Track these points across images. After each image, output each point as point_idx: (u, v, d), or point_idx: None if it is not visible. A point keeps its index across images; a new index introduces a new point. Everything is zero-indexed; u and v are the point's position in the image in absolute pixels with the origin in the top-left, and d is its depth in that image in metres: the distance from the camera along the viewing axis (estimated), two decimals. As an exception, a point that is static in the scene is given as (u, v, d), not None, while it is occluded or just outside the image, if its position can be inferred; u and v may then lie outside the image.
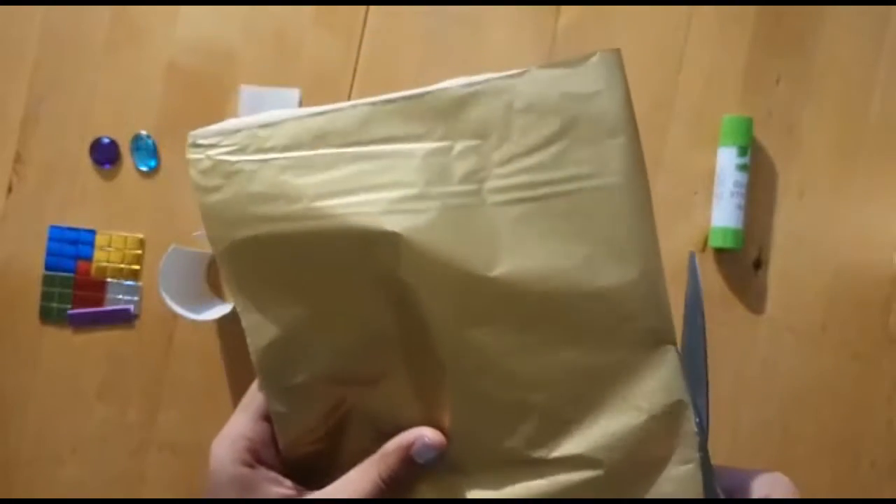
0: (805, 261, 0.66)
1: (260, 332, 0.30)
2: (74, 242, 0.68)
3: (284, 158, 0.30)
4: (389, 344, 0.30)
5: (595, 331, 0.30)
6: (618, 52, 0.29)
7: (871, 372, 0.65)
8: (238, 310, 0.31)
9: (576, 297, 0.29)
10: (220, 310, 0.62)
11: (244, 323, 0.31)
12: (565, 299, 0.30)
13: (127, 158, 0.69)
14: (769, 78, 0.66)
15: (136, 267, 0.68)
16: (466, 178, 0.29)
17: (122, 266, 0.68)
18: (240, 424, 0.32)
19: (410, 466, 0.30)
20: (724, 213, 0.64)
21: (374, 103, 0.29)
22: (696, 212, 0.66)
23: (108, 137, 0.68)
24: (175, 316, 0.60)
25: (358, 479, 0.31)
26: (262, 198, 0.29)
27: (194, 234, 0.64)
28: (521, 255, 0.29)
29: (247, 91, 0.68)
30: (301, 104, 0.68)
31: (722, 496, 0.29)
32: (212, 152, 0.30)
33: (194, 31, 0.69)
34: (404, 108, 0.29)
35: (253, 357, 0.31)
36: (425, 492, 0.31)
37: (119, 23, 0.69)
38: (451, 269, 0.29)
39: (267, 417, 0.32)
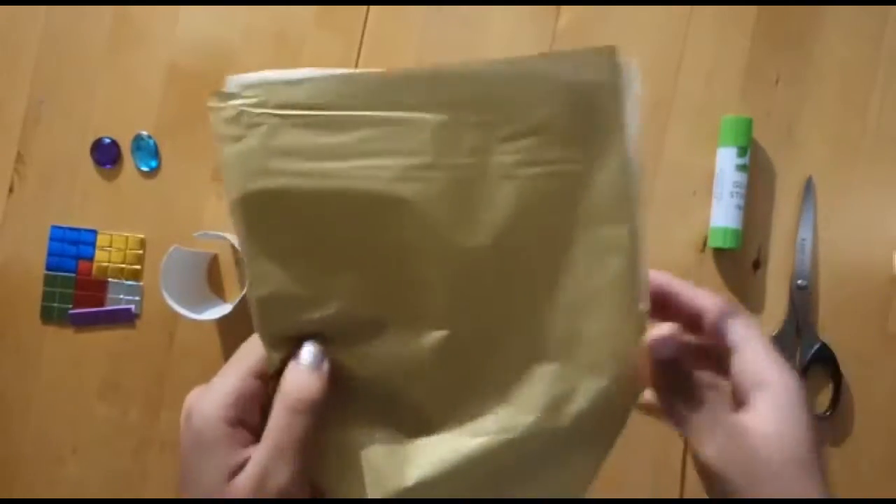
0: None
1: (264, 280, 0.31)
2: (75, 242, 0.69)
3: (305, 116, 0.31)
4: (385, 305, 0.32)
5: (574, 296, 0.31)
6: (617, 49, 0.31)
7: (871, 372, 0.65)
8: (244, 258, 0.31)
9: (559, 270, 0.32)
10: (221, 309, 0.62)
11: (248, 271, 0.31)
12: (550, 270, 0.32)
13: (128, 158, 0.69)
14: (769, 78, 0.66)
15: (137, 267, 0.68)
16: (473, 152, 0.31)
17: (123, 266, 0.68)
18: (230, 380, 0.31)
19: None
20: (723, 213, 0.64)
21: (395, 72, 0.31)
22: (696, 212, 0.66)
23: (108, 137, 0.69)
24: (176, 315, 0.61)
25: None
26: (280, 152, 0.30)
27: (195, 234, 0.64)
28: (514, 227, 0.31)
29: (247, 91, 0.68)
30: (301, 104, 0.68)
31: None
32: (235, 102, 0.31)
33: (195, 32, 0.69)
34: (422, 79, 0.31)
35: (253, 306, 0.31)
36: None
37: (120, 23, 0.69)
38: (450, 235, 0.31)
39: (258, 375, 0.32)
